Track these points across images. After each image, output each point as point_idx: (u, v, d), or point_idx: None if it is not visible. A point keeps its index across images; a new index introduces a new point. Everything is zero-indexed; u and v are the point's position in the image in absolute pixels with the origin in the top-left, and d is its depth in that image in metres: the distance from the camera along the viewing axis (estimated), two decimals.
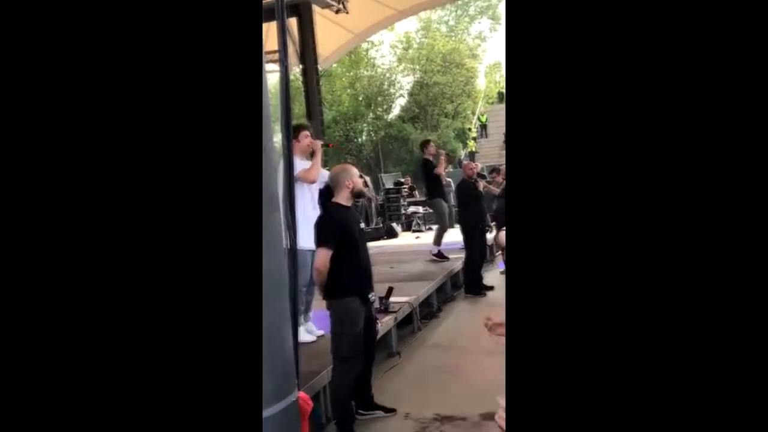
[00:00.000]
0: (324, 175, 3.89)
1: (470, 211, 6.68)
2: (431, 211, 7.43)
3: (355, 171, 3.28)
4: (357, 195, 3.25)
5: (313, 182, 3.90)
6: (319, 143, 4.06)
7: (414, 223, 12.50)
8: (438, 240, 7.27)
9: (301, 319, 3.99)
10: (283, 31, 1.92)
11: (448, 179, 12.65)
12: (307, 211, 3.72)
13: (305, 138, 3.99)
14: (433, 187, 7.35)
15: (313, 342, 3.86)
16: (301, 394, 1.88)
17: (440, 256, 7.19)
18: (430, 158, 7.15)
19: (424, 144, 7.43)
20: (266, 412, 1.64)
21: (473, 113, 22.93)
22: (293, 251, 2.06)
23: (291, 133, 2.11)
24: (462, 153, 21.36)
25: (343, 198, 3.18)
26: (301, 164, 3.88)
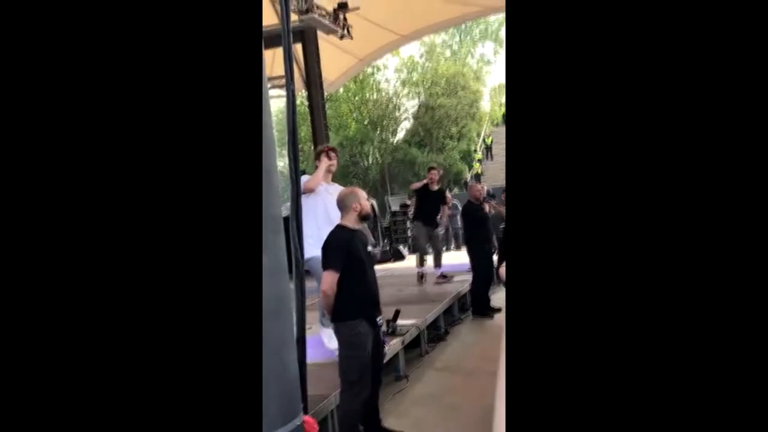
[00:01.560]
0: (337, 189, 3.95)
1: (477, 233, 6.68)
2: (438, 233, 7.52)
3: (362, 194, 3.29)
4: (364, 218, 3.25)
5: (310, 190, 4.01)
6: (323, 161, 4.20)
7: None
8: (421, 262, 7.42)
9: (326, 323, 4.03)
10: (289, 56, 1.95)
11: (455, 201, 12.66)
12: (322, 230, 3.68)
13: (323, 160, 4.17)
14: (416, 209, 7.50)
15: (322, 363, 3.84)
16: (307, 418, 1.87)
17: (443, 278, 7.28)
18: (429, 183, 7.20)
19: (429, 170, 7.51)
20: None
21: (478, 135, 23.03)
22: (300, 274, 2.06)
23: (298, 156, 2.13)
24: (468, 175, 21.40)
25: (350, 220, 3.20)
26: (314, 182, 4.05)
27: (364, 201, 3.24)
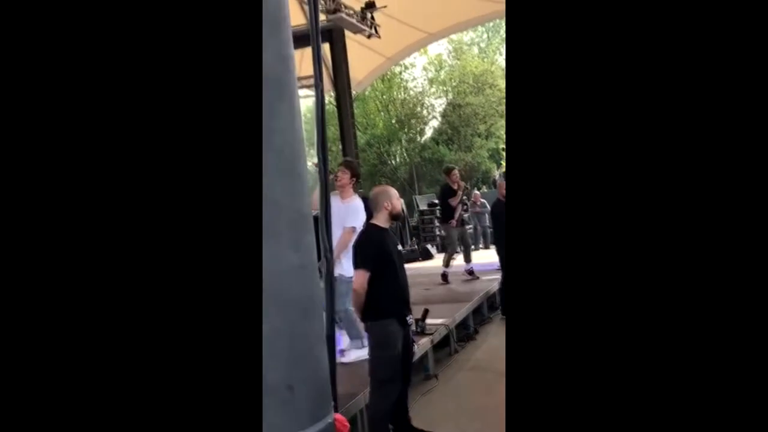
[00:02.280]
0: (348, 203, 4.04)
1: (506, 232, 6.63)
2: (466, 230, 7.64)
3: (394, 193, 3.28)
4: (395, 217, 3.25)
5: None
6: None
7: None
8: (448, 262, 7.52)
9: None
10: (318, 56, 1.96)
11: (483, 200, 12.58)
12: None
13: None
14: (447, 213, 7.60)
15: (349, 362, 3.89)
16: (338, 416, 1.87)
17: (470, 274, 7.41)
18: (454, 186, 7.33)
19: (449, 171, 7.63)
20: None
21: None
22: (330, 274, 2.07)
23: (327, 157, 2.14)
24: (496, 173, 21.25)
25: (381, 220, 3.19)
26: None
27: (396, 200, 3.23)
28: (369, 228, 3.22)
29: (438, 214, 13.34)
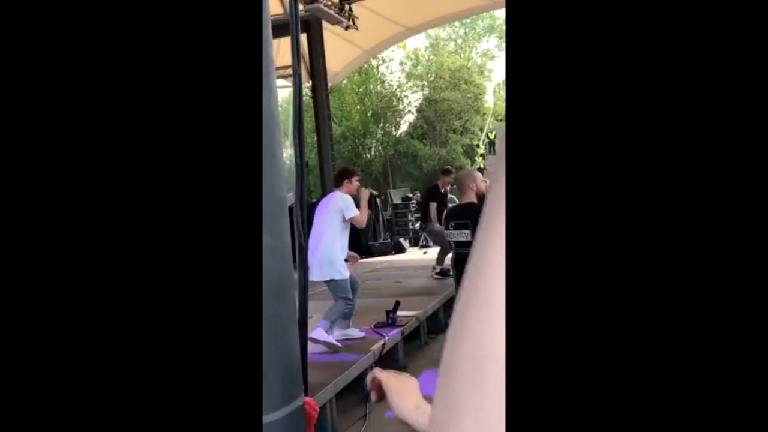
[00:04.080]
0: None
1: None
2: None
3: (478, 175, 3.68)
4: (480, 197, 3.52)
5: (363, 227, 4.48)
6: (368, 192, 4.58)
7: (422, 238, 12.49)
8: (441, 260, 7.38)
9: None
10: (296, 43, 1.96)
11: (452, 196, 12.68)
12: (336, 245, 4.08)
13: (356, 181, 4.42)
14: (428, 216, 7.60)
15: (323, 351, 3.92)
16: (308, 399, 1.89)
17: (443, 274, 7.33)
18: (442, 188, 7.31)
19: (446, 172, 7.54)
20: (272, 416, 1.66)
21: (481, 130, 23.00)
22: (303, 258, 2.09)
23: (304, 144, 2.14)
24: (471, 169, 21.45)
25: (471, 198, 3.53)
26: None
27: (480, 181, 3.56)
28: (472, 204, 3.46)
29: (411, 209, 13.39)
